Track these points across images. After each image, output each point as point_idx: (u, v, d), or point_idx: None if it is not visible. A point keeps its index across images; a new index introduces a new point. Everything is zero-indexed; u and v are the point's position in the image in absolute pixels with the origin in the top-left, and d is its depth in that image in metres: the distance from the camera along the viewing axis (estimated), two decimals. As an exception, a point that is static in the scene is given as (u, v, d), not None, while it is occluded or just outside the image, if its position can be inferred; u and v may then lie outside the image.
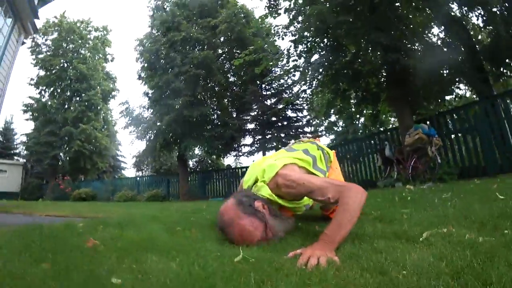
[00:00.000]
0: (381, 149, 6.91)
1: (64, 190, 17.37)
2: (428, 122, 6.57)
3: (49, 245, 1.52)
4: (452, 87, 7.22)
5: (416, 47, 6.78)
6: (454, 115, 6.30)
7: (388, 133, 7.71)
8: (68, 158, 20.60)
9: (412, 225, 1.51)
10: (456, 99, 8.10)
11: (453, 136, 6.31)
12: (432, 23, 6.78)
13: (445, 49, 6.80)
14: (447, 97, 7.68)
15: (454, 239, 1.14)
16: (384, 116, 11.72)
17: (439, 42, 7.13)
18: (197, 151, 20.19)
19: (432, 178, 5.57)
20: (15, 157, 28.36)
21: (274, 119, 13.26)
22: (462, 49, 7.23)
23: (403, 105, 6.64)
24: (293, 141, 2.32)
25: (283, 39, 7.19)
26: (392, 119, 12.40)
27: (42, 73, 20.89)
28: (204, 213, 3.48)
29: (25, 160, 23.42)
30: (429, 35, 7.23)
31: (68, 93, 20.98)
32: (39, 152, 19.86)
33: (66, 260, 1.20)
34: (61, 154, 20.89)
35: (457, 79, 6.99)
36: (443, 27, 6.88)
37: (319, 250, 1.12)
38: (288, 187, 1.52)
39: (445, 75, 6.88)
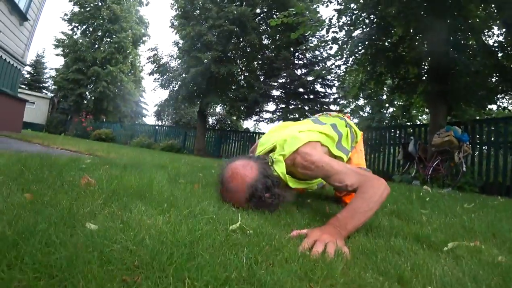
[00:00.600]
0: (405, 143, 6.56)
1: (85, 128, 17.98)
2: (462, 127, 6.16)
3: (42, 175, 1.45)
4: (498, 96, 6.64)
5: (469, 44, 6.18)
6: (492, 126, 5.84)
7: (416, 128, 7.31)
8: (93, 98, 20.99)
9: (434, 229, 1.34)
10: (499, 110, 7.53)
11: (485, 147, 5.92)
12: (494, 22, 6.10)
13: (500, 54, 6.17)
14: (490, 106, 7.12)
15: (484, 258, 0.97)
16: (414, 111, 11.17)
17: (495, 44, 6.46)
18: (218, 109, 20.16)
19: (452, 184, 5.29)
20: (44, 91, 29.05)
21: (301, 90, 12.78)
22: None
23: (440, 102, 6.19)
24: (320, 113, 2.08)
25: (327, 6, 6.68)
26: (423, 117, 11.79)
27: (76, 9, 20.75)
28: (213, 171, 3.40)
29: (52, 95, 23.93)
30: (487, 34, 6.56)
31: (100, 33, 20.89)
32: (66, 88, 20.27)
33: (50, 193, 1.12)
34: (86, 93, 21.26)
35: (505, 89, 6.40)
36: (504, 30, 6.19)
37: (328, 235, 0.97)
38: (306, 168, 1.37)
39: (494, 81, 6.30)
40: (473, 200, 3.12)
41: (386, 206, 1.95)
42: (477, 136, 5.98)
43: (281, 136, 1.50)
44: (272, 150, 1.50)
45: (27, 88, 26.20)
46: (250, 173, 1.34)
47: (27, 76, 29.39)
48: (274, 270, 0.66)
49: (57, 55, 21.18)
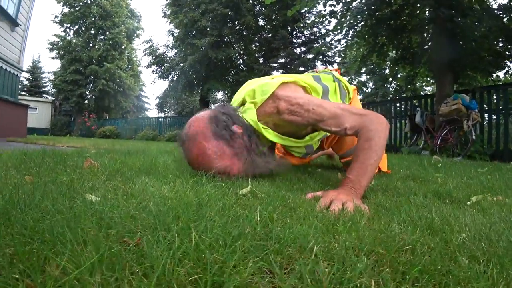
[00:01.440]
0: (411, 114, 6.43)
1: (90, 127, 18.08)
2: (469, 94, 6.00)
3: (44, 162, 1.41)
4: (505, 62, 6.41)
5: (473, 8, 5.94)
6: (501, 92, 5.67)
7: (422, 99, 7.16)
8: (93, 97, 20.94)
9: (453, 188, 1.27)
10: (507, 75, 7.32)
11: (494, 114, 5.77)
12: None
13: (505, 19, 5.92)
14: (498, 72, 6.90)
15: (511, 208, 0.90)
16: (418, 83, 10.92)
17: (501, 8, 6.20)
18: (219, 95, 20.00)
19: (461, 153, 5.18)
20: (44, 95, 28.98)
21: (302, 69, 12.53)
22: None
23: (445, 71, 6.01)
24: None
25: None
26: (428, 87, 11.56)
27: (66, 9, 20.42)
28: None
29: (53, 98, 23.87)
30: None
31: (93, 31, 20.63)
32: (66, 90, 20.19)
33: (51, 175, 1.07)
34: (86, 92, 21.19)
35: (512, 54, 6.17)
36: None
37: (344, 195, 0.91)
38: (293, 113, 1.17)
39: (500, 45, 6.08)
40: (485, 165, 3.04)
41: (399, 171, 1.89)
42: (486, 104, 5.82)
43: (250, 88, 1.30)
44: (243, 104, 1.30)
45: (27, 94, 26.18)
46: (206, 113, 1.21)
47: (26, 82, 29.29)
48: (292, 226, 0.60)
49: (53, 58, 21.09)
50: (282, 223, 0.63)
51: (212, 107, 1.43)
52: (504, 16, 5.97)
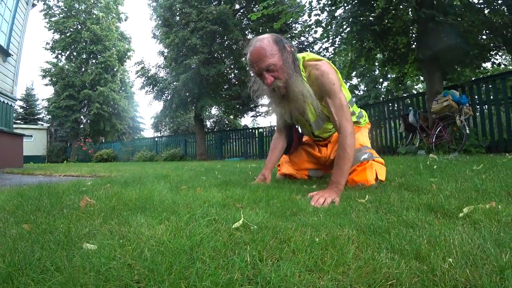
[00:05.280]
0: (404, 114, 6.49)
1: (86, 151, 18.04)
2: (459, 89, 6.07)
3: (41, 204, 1.43)
4: (491, 53, 6.51)
5: (454, 4, 6.06)
6: (490, 84, 5.75)
7: (414, 98, 7.23)
8: (88, 121, 20.99)
9: (447, 197, 1.29)
10: (493, 67, 7.41)
11: (485, 106, 5.83)
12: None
13: (487, 11, 6.04)
14: (484, 64, 6.99)
15: (503, 219, 0.92)
16: (409, 82, 11.02)
17: (481, 1, 6.32)
18: (214, 111, 20.11)
19: (457, 149, 5.22)
20: (39, 122, 29.12)
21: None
22: (506, 12, 6.44)
23: (433, 68, 6.10)
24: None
25: (305, -10, 6.58)
26: (419, 85, 11.67)
27: (56, 36, 20.68)
28: (217, 173, 3.37)
29: (48, 125, 23.93)
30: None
31: (84, 56, 20.83)
32: (60, 116, 20.24)
33: (48, 221, 1.09)
34: (81, 117, 21.26)
35: (497, 45, 6.27)
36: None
37: (329, 193, 1.38)
38: (323, 76, 1.63)
39: (484, 38, 6.17)
40: (481, 161, 3.06)
41: (394, 179, 1.91)
42: (476, 96, 5.89)
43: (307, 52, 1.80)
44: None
45: (22, 122, 26.29)
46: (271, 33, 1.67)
47: (21, 110, 29.45)
48: (281, 265, 0.62)
49: (46, 85, 21.19)
50: (272, 261, 0.64)
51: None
52: (486, 8, 6.08)
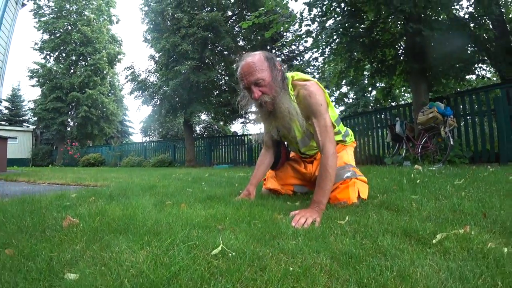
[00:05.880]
0: (391, 124, 6.62)
1: (72, 155, 17.65)
2: (444, 101, 6.24)
3: (24, 223, 1.42)
4: (475, 66, 6.72)
5: (441, 19, 6.24)
6: (474, 96, 5.93)
7: (401, 108, 7.38)
8: (76, 124, 20.56)
9: (424, 218, 1.34)
10: (478, 79, 7.64)
11: (469, 118, 6.01)
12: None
13: (472, 25, 6.24)
14: (468, 76, 7.20)
15: (474, 247, 0.96)
16: (397, 91, 11.22)
17: (466, 16, 6.53)
18: (203, 117, 20.05)
19: (442, 159, 5.35)
20: (25, 124, 28.53)
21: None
22: (491, 26, 6.67)
23: (419, 80, 6.26)
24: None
25: (296, 0, 6.69)
26: (406, 95, 11.90)
27: (46, 37, 20.33)
28: (203, 184, 3.38)
29: (34, 127, 23.38)
30: (457, 7, 6.64)
31: (73, 58, 20.50)
32: (47, 119, 19.77)
33: (30, 244, 1.10)
34: (68, 120, 20.83)
35: (481, 58, 6.48)
36: (473, 0, 6.27)
37: (311, 213, 1.39)
38: (305, 97, 1.70)
39: (469, 52, 6.37)
40: (463, 174, 3.15)
41: (376, 197, 1.95)
42: (461, 108, 6.05)
43: (296, 72, 1.88)
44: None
45: (7, 124, 25.69)
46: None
47: (6, 111, 28.83)
48: None
49: (33, 86, 20.70)
50: None
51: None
52: (471, 22, 6.28)
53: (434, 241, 1.02)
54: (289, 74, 1.80)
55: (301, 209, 1.47)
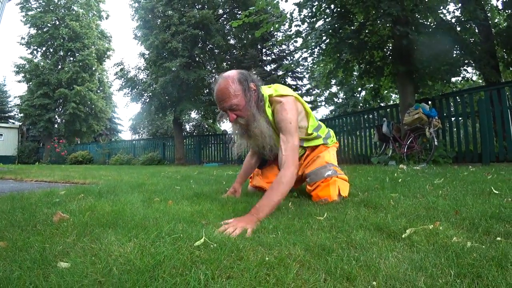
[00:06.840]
0: (379, 125, 6.77)
1: (59, 153, 17.37)
2: (430, 102, 6.41)
3: (15, 219, 1.46)
4: (460, 69, 6.91)
5: (428, 23, 6.40)
6: (458, 98, 6.12)
7: (388, 109, 7.55)
8: (63, 120, 20.23)
9: (398, 215, 1.41)
10: (462, 81, 7.86)
11: (453, 119, 6.19)
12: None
13: (458, 28, 6.42)
14: (453, 79, 7.40)
15: (439, 241, 1.03)
16: (385, 91, 11.42)
17: (453, 20, 6.71)
18: (193, 115, 20.00)
19: (426, 159, 5.51)
20: (10, 120, 27.95)
21: (273, 86, 12.86)
22: (476, 30, 6.86)
23: (406, 82, 6.41)
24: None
25: (286, 1, 6.76)
26: (394, 95, 12.12)
27: (33, 31, 19.95)
28: (192, 181, 3.42)
29: (20, 123, 22.84)
30: (444, 11, 6.81)
31: (61, 53, 20.14)
32: (34, 115, 19.38)
33: (23, 237, 1.15)
34: (56, 116, 20.46)
35: (466, 61, 6.67)
36: (460, 4, 6.44)
37: (243, 223, 1.28)
38: (278, 112, 1.73)
39: (454, 55, 6.55)
40: (444, 174, 3.27)
41: (358, 195, 2.03)
42: (446, 109, 6.23)
43: (277, 85, 1.90)
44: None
45: (-8, 120, 25.16)
46: (239, 70, 1.76)
47: (-9, 107, 28.26)
48: (230, 283, 0.73)
49: (19, 81, 20.32)
50: (222, 280, 0.76)
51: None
52: (458, 27, 6.45)
53: (403, 235, 1.10)
54: (269, 90, 1.83)
55: (237, 217, 1.37)
